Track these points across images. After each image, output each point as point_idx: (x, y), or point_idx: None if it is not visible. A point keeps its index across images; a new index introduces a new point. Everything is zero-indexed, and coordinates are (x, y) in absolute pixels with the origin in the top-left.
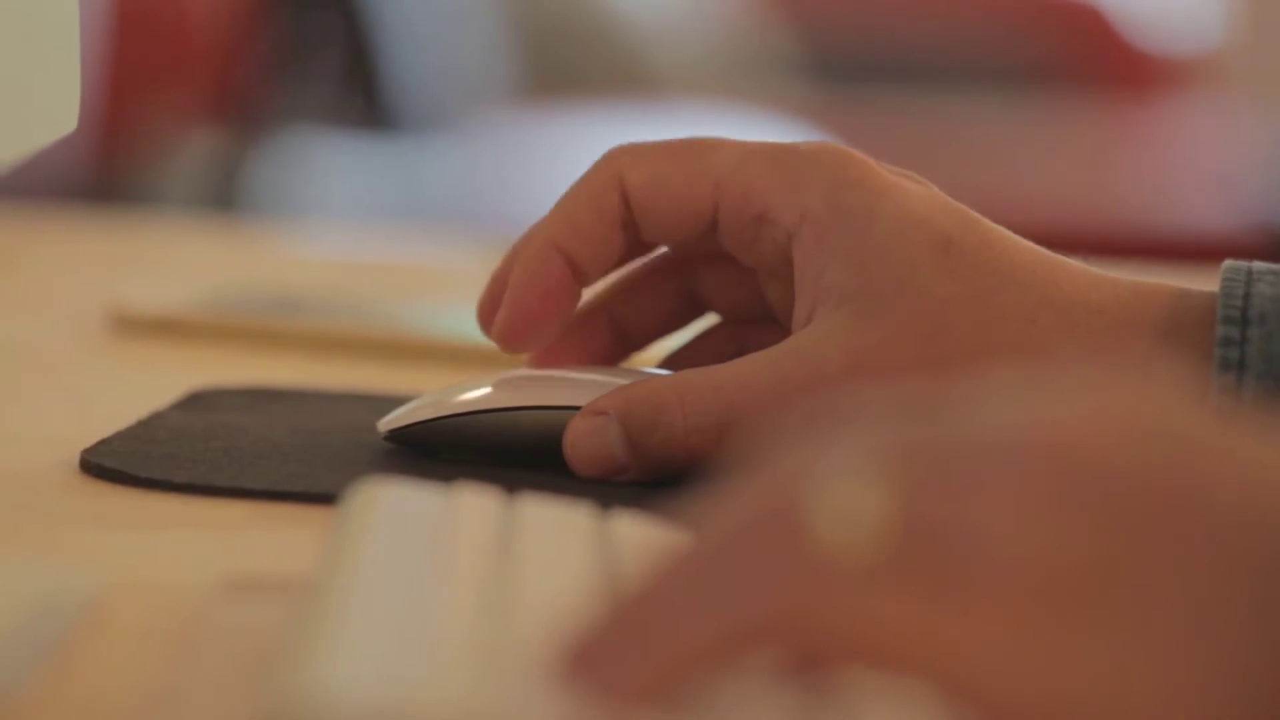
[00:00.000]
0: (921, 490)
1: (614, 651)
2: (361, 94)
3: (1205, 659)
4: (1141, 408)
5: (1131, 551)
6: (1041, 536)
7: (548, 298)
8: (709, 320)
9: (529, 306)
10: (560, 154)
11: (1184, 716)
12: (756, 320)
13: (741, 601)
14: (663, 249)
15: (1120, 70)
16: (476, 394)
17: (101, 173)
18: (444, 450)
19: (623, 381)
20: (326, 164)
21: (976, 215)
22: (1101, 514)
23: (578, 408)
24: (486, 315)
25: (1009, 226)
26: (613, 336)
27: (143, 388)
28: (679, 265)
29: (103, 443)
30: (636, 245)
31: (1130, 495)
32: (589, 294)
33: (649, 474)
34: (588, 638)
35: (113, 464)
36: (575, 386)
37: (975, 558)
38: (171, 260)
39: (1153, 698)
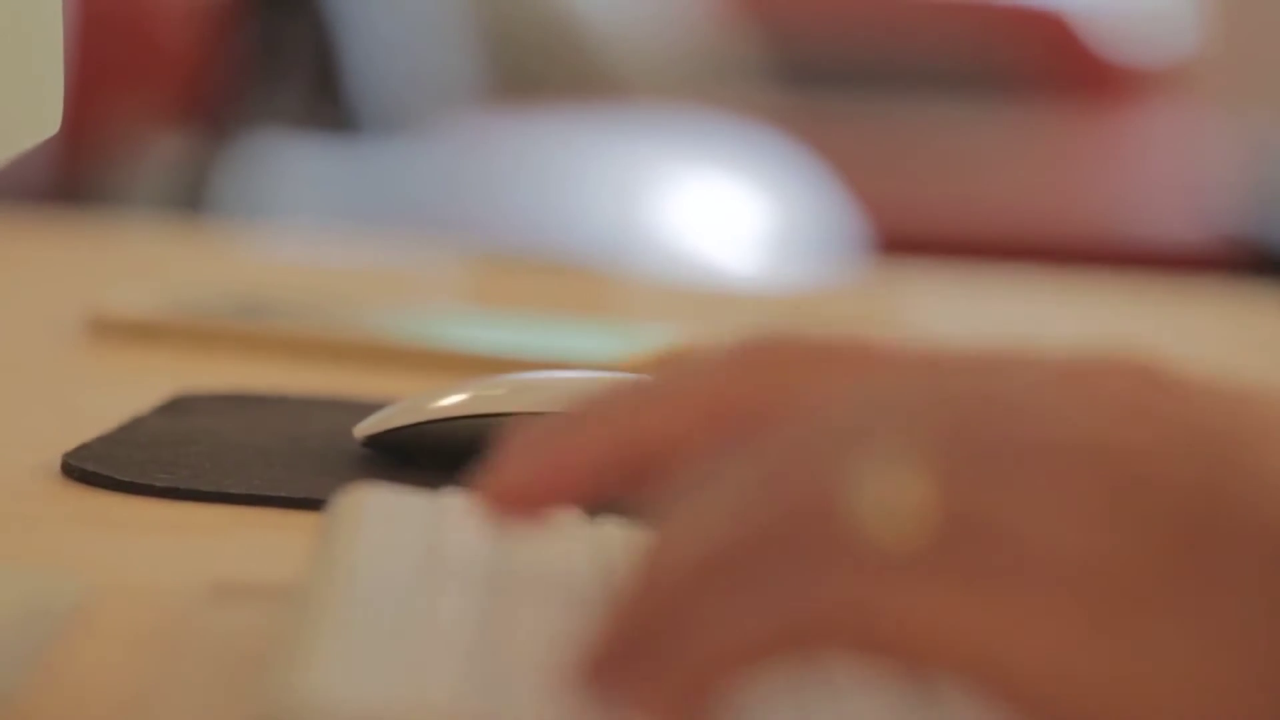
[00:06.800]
0: (965, 480)
1: (642, 658)
2: (329, 97)
3: (1249, 666)
4: (1200, 413)
5: (1179, 557)
6: (1092, 536)
7: None
8: None
9: None
10: (526, 157)
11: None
12: None
13: (789, 596)
14: None
15: (1088, 79)
16: (453, 400)
17: (67, 175)
18: (421, 456)
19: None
20: (294, 167)
21: None
22: (1151, 519)
23: (555, 413)
24: None
25: (976, 235)
26: None
27: (123, 392)
28: None
29: (84, 446)
30: None
31: (1181, 502)
32: None
33: None
34: (611, 643)
35: (95, 468)
36: (551, 391)
37: (1024, 554)
38: (149, 265)
39: (1196, 702)
